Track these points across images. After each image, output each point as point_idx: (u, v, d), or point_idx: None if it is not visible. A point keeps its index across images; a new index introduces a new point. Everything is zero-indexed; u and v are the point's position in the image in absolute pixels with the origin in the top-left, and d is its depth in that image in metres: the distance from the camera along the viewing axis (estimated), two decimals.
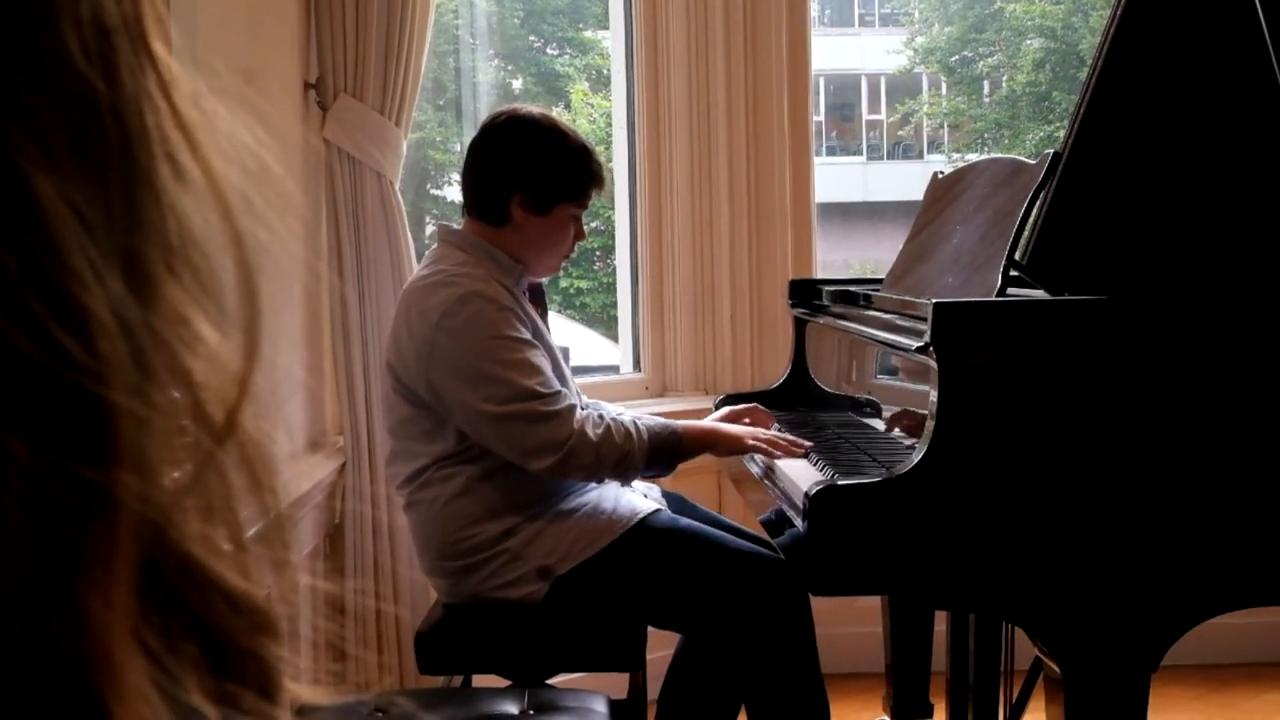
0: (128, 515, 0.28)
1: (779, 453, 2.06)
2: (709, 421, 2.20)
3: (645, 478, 2.17)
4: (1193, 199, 1.94)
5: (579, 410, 1.99)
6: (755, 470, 2.16)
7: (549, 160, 2.09)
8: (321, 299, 2.54)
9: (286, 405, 2.30)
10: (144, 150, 0.29)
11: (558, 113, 2.21)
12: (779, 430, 2.40)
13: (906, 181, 9.81)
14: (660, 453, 2.04)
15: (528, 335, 2.00)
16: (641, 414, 2.18)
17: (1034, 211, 1.91)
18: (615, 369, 3.55)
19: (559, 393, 1.98)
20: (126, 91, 0.29)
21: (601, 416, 2.01)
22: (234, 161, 0.31)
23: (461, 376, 1.97)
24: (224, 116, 0.31)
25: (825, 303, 2.52)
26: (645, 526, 2.10)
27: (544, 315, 2.22)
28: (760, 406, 2.43)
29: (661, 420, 2.11)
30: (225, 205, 0.30)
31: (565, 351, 2.35)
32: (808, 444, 2.07)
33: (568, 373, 2.17)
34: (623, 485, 2.11)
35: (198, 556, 0.30)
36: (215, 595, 0.30)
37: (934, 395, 1.66)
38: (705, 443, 2.11)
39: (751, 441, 2.09)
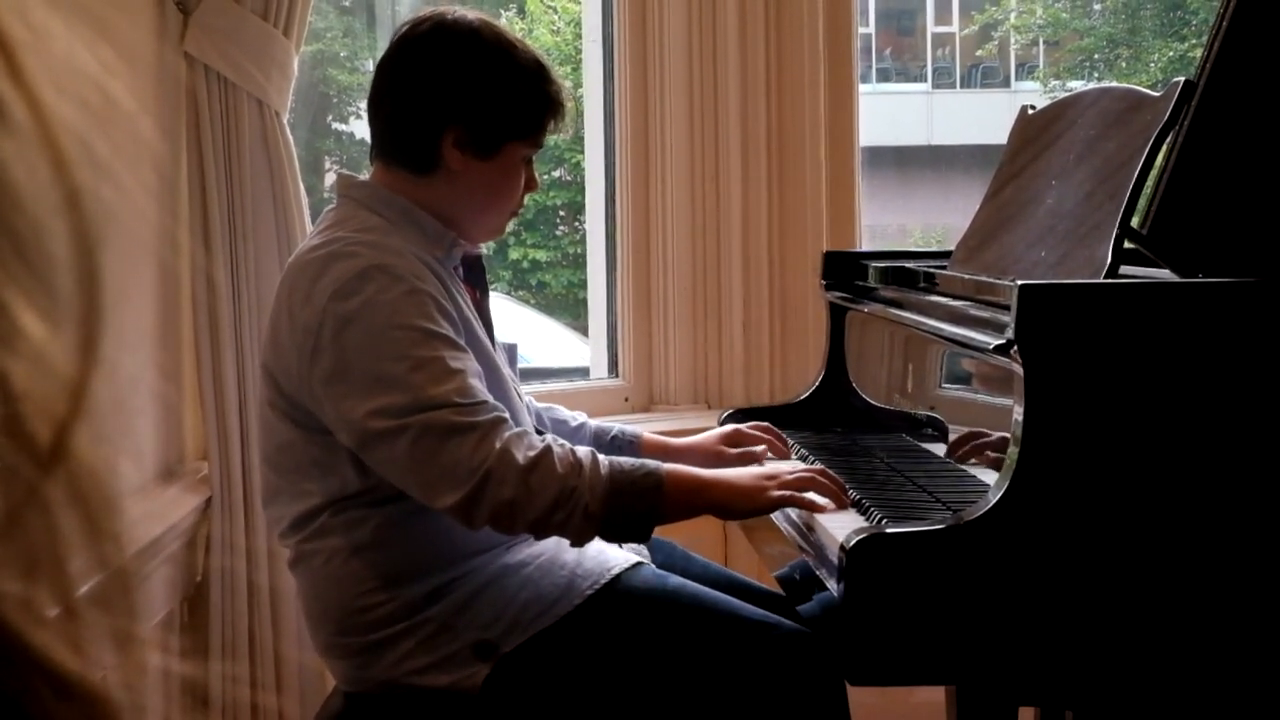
0: None
1: (823, 499, 2.00)
2: (711, 473, 2.08)
3: (608, 540, 2.07)
4: None
5: (511, 427, 1.95)
6: (778, 515, 2.17)
7: (495, 83, 2.09)
8: (181, 279, 2.53)
9: (135, 423, 2.30)
10: None
11: (508, 19, 2.21)
12: (797, 453, 2.40)
13: (986, 119, 9.81)
14: (625, 501, 1.94)
15: (448, 331, 1.98)
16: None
17: (1157, 162, 1.92)
18: (584, 373, 3.55)
19: (483, 403, 1.94)
20: None
21: (544, 436, 1.98)
22: (71, 95, 0.31)
23: (348, 379, 1.94)
24: (61, 34, 0.31)
25: (872, 284, 2.53)
26: (621, 586, 2.10)
27: (484, 298, 2.21)
28: (770, 426, 2.42)
29: (639, 460, 2.02)
30: (58, 154, 0.30)
31: (513, 350, 2.33)
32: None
33: (513, 381, 2.17)
34: (573, 545, 2.03)
35: (12, 624, 0.30)
36: (36, 677, 0.30)
37: (1019, 411, 1.67)
38: (702, 500, 2.02)
39: (779, 494, 2.00)
